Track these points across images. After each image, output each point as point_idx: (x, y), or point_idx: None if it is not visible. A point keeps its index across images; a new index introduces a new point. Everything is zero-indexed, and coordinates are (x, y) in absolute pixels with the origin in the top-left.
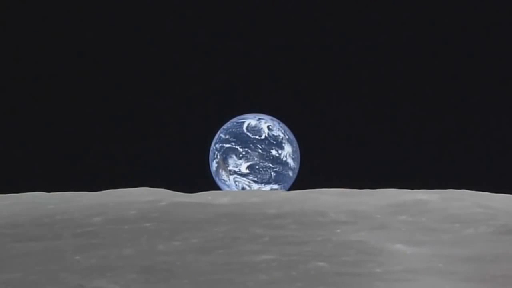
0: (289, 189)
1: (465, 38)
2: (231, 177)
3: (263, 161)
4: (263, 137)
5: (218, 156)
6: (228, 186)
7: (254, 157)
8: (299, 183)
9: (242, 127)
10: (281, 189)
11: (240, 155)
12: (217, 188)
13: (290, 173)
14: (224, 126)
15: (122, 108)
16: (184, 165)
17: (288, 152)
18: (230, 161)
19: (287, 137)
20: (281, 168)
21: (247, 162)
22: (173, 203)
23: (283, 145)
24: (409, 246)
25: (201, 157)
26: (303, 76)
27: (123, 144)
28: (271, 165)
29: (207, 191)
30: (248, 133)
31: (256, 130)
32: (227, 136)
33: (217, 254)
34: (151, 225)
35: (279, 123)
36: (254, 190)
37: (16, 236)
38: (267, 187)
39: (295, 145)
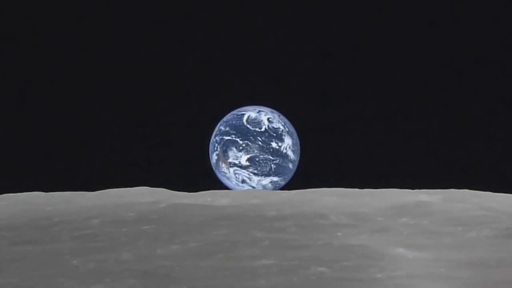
0: (289, 182)
1: (465, 37)
2: (231, 169)
3: (263, 154)
4: (263, 129)
5: (218, 149)
6: (228, 178)
7: (254, 149)
8: (299, 176)
9: (242, 120)
10: (281, 181)
11: (240, 148)
12: (217, 180)
13: (290, 166)
14: (224, 119)
15: (121, 103)
16: (184, 158)
17: (288, 145)
18: (230, 153)
19: (287, 129)
20: (281, 160)
21: (247, 154)
22: (172, 205)
23: (283, 137)
24: (410, 250)
25: (201, 150)
26: (303, 69)
27: (122, 136)
28: (271, 157)
29: (207, 191)
30: (248, 126)
31: (256, 123)
32: (227, 129)
33: (217, 258)
34: (149, 228)
35: (279, 116)
36: (254, 190)
37: (13, 239)
38: (267, 180)
39: (295, 138)
